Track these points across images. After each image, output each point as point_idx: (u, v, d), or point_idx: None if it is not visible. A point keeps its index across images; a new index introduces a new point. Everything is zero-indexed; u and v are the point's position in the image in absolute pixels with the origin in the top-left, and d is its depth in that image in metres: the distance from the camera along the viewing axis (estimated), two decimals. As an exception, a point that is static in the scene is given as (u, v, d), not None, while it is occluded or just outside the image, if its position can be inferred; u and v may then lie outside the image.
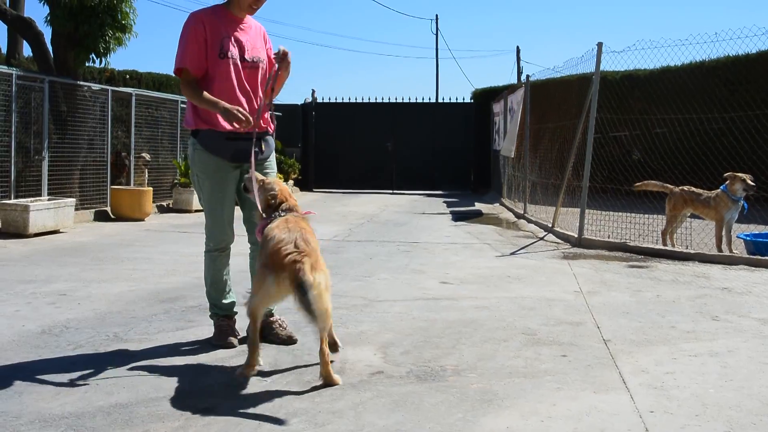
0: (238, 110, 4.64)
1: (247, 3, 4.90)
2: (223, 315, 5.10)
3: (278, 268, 4.03)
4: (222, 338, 4.97)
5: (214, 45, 4.77)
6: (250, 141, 4.82)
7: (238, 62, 4.87)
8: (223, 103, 4.69)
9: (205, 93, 4.75)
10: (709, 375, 4.45)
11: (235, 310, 5.17)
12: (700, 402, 3.94)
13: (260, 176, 4.79)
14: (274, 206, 4.60)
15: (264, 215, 4.59)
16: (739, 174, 9.45)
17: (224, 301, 5.12)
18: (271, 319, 5.07)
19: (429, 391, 4.08)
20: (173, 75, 5.15)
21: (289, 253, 4.02)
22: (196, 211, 14.52)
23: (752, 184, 9.32)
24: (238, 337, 5.03)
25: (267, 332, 4.98)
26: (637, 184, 10.60)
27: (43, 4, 12.76)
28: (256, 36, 5.05)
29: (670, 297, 6.86)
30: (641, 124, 15.26)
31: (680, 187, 10.05)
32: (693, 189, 9.93)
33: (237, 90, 4.87)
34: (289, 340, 5.02)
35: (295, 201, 4.73)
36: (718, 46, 17.77)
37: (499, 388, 4.15)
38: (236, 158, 4.89)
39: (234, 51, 4.84)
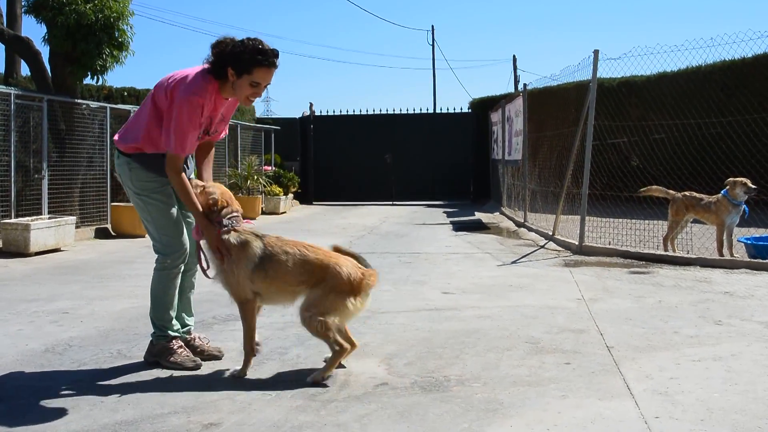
0: (218, 241, 4.56)
1: (245, 96, 4.68)
2: (178, 335, 4.86)
3: (357, 290, 4.55)
4: (188, 359, 4.76)
5: (205, 125, 4.72)
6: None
7: (213, 136, 4.99)
8: (201, 218, 4.61)
9: (185, 183, 4.63)
10: (713, 379, 4.45)
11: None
12: (705, 407, 3.94)
13: (200, 182, 4.83)
14: (216, 211, 4.62)
15: (204, 219, 4.62)
16: (740, 179, 9.47)
17: (186, 320, 5.03)
18: (191, 337, 5.01)
19: (434, 402, 4.08)
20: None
21: (361, 277, 4.60)
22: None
23: (753, 187, 9.34)
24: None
25: (193, 351, 4.92)
26: (641, 189, 10.61)
27: (41, 23, 12.79)
28: (230, 107, 4.95)
29: (673, 302, 6.86)
30: (639, 131, 15.26)
31: (682, 193, 10.07)
32: (694, 194, 9.96)
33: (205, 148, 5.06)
34: (219, 353, 5.02)
35: (238, 205, 4.78)
36: (714, 50, 17.80)
37: (504, 397, 4.15)
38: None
39: (216, 126, 4.91)
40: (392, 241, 12.73)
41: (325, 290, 4.47)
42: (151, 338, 4.89)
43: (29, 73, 14.37)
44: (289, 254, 4.55)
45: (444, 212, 19.76)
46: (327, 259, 4.59)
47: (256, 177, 18.75)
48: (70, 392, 4.30)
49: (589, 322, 6.05)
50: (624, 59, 11.16)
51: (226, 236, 4.55)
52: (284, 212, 19.93)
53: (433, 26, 47.00)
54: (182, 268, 4.89)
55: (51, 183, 12.22)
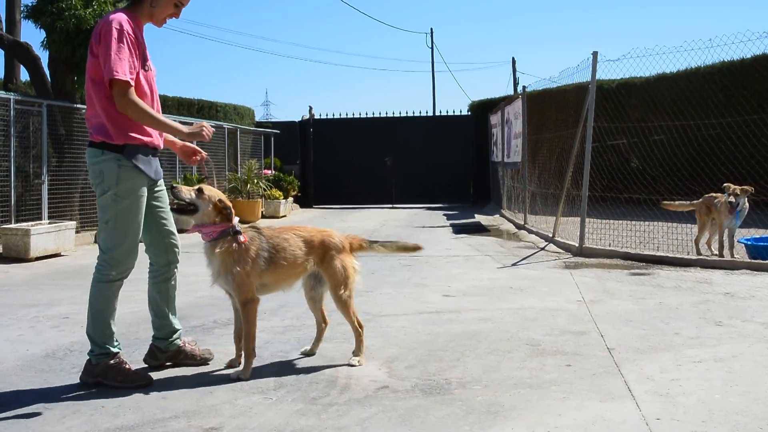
0: (202, 127, 4.65)
1: (164, 17, 4.67)
2: (120, 351, 4.65)
3: (352, 249, 5.36)
4: (137, 376, 4.56)
5: (139, 56, 4.50)
6: (157, 159, 4.75)
7: (151, 72, 4.67)
8: (182, 126, 4.62)
9: (151, 109, 4.51)
10: (714, 381, 4.45)
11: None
12: (707, 408, 3.94)
13: (192, 188, 4.82)
14: (226, 215, 4.72)
15: (209, 223, 4.72)
16: (731, 187, 9.42)
17: (176, 325, 4.95)
18: (182, 343, 4.96)
19: (435, 405, 4.08)
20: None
21: (348, 238, 5.32)
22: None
23: (732, 201, 9.26)
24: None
25: (183, 357, 4.87)
26: (664, 203, 10.53)
27: (40, 28, 12.81)
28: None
29: (673, 303, 6.86)
30: (639, 132, 15.28)
31: (704, 196, 10.01)
32: (713, 195, 9.89)
33: (154, 101, 4.69)
34: (210, 356, 4.99)
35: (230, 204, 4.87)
36: (713, 51, 17.78)
37: (505, 400, 4.15)
38: (156, 175, 4.72)
39: (150, 62, 4.66)
40: (392, 244, 12.70)
41: (337, 260, 5.05)
42: (89, 358, 4.58)
43: (29, 79, 14.38)
44: (288, 240, 4.89)
45: (444, 215, 19.76)
46: (318, 233, 5.08)
47: (256, 181, 18.75)
48: (71, 397, 4.30)
49: (590, 324, 6.05)
50: (623, 61, 11.19)
51: (241, 240, 4.69)
52: (284, 216, 19.93)
53: (432, 29, 47.08)
54: (123, 282, 4.67)
55: (51, 188, 12.23)
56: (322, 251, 5.01)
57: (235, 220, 4.76)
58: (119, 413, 4.01)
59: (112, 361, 4.53)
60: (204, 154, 5.00)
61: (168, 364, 4.90)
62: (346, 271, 5.04)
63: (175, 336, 4.92)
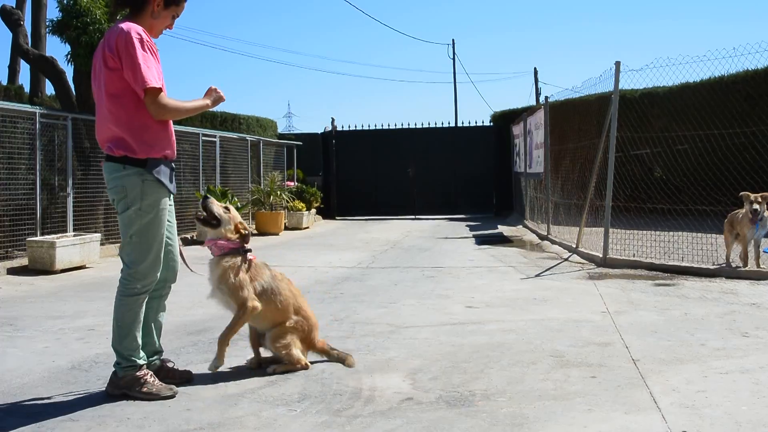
0: (216, 92, 4.83)
1: (162, 28, 4.74)
2: (146, 363, 4.67)
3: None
4: (163, 388, 4.57)
5: (156, 57, 4.56)
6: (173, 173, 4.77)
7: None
8: (205, 100, 4.79)
9: (180, 101, 4.63)
10: (741, 392, 4.41)
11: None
12: (733, 420, 3.90)
13: (221, 205, 5.08)
14: (243, 236, 5.07)
15: (225, 240, 5.02)
16: (750, 196, 9.32)
17: (158, 346, 4.90)
18: (163, 360, 4.92)
19: (459, 417, 4.07)
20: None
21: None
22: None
23: (756, 209, 9.15)
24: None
25: (163, 375, 4.80)
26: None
27: (65, 42, 12.95)
28: None
29: (699, 314, 6.82)
30: (662, 142, 15.18)
31: (729, 214, 9.89)
32: (737, 210, 9.74)
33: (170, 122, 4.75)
34: (190, 377, 4.92)
35: None
36: (737, 60, 17.65)
37: (530, 412, 4.13)
38: (174, 189, 4.71)
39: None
40: (415, 255, 12.73)
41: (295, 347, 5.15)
42: (114, 370, 4.59)
43: (54, 92, 14.54)
44: (288, 289, 5.23)
45: (467, 225, 19.74)
46: (312, 317, 5.31)
47: (278, 192, 18.80)
48: (97, 409, 4.32)
49: (615, 335, 6.02)
50: (646, 70, 11.20)
51: (249, 258, 5.07)
52: (307, 227, 19.98)
53: (453, 40, 47.02)
54: (148, 294, 4.66)
55: (76, 201, 12.32)
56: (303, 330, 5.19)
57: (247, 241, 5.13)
58: (144, 425, 4.02)
59: (138, 373, 4.54)
60: None
61: None
62: (293, 358, 5.11)
63: (157, 356, 4.87)
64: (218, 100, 4.83)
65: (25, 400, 4.53)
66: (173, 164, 4.74)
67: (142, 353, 4.63)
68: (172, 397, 4.51)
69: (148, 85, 4.33)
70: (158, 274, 4.65)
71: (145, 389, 4.50)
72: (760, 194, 9.31)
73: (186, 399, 4.48)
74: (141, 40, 4.39)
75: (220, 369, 5.05)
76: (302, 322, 5.14)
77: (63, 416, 4.19)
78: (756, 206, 9.16)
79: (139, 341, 4.60)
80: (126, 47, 4.35)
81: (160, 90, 4.40)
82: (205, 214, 5.00)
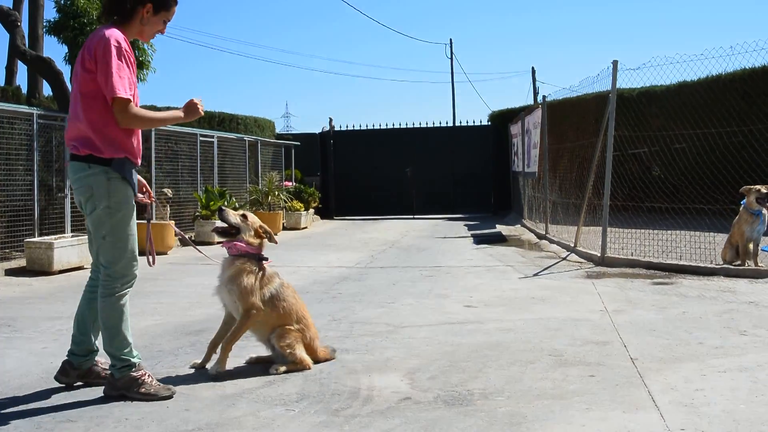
0: (194, 104, 4.77)
1: (153, 33, 4.77)
2: (140, 361, 4.64)
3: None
4: (160, 388, 4.57)
5: (133, 72, 4.59)
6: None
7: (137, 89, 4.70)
8: (179, 111, 4.76)
9: (149, 111, 4.68)
10: (739, 390, 4.41)
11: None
12: (732, 418, 3.90)
13: (237, 212, 5.22)
14: (267, 238, 5.24)
15: (245, 244, 5.10)
16: (754, 186, 9.38)
17: (95, 345, 4.80)
18: (95, 362, 4.83)
19: (457, 416, 4.07)
20: None
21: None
22: (218, 242, 14.55)
23: (763, 190, 9.21)
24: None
25: (94, 376, 4.75)
26: None
27: (62, 43, 12.96)
28: None
29: (697, 313, 6.82)
30: (660, 140, 15.19)
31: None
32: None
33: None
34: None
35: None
36: (734, 59, 17.63)
37: (528, 411, 4.13)
38: (135, 189, 4.70)
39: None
40: (414, 254, 12.74)
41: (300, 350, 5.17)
42: (110, 372, 4.59)
43: (51, 93, 14.54)
44: (295, 300, 5.27)
45: (465, 225, 19.74)
46: (312, 327, 5.32)
47: (276, 193, 18.80)
48: (96, 409, 4.31)
49: (613, 334, 6.02)
50: (643, 69, 11.14)
51: (263, 264, 5.16)
52: (305, 227, 19.98)
53: (451, 39, 46.99)
54: (130, 291, 4.64)
55: (74, 201, 12.29)
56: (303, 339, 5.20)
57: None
58: (142, 425, 4.02)
59: (134, 374, 4.53)
60: (150, 197, 5.06)
61: (78, 383, 4.78)
62: (297, 357, 5.11)
63: (91, 356, 4.81)
64: (191, 110, 4.76)
65: (23, 400, 4.53)
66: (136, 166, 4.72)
67: (135, 351, 4.62)
68: (170, 397, 4.51)
69: (116, 94, 4.34)
70: (137, 271, 4.65)
71: (143, 390, 4.49)
72: (765, 185, 9.32)
73: (184, 399, 4.48)
74: (119, 48, 4.41)
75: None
76: (304, 330, 5.17)
77: (61, 417, 4.19)
78: (764, 189, 9.16)
79: (130, 340, 4.59)
80: (103, 53, 4.36)
81: (128, 101, 4.40)
82: (225, 225, 5.12)
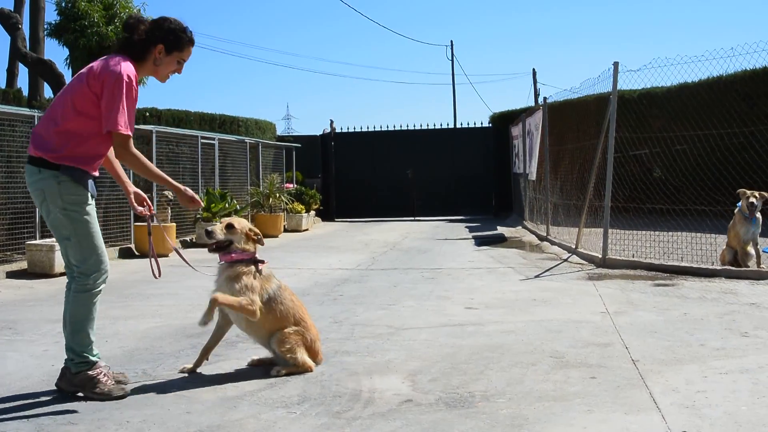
0: (194, 197, 4.91)
1: (167, 73, 4.84)
2: (99, 360, 4.66)
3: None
4: (115, 388, 4.59)
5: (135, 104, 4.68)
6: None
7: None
8: (176, 183, 4.85)
9: (145, 159, 4.76)
10: (740, 392, 4.41)
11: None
12: (733, 420, 3.90)
13: (225, 219, 5.24)
14: (257, 240, 5.22)
15: (239, 250, 5.09)
16: (749, 191, 9.39)
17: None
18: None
19: (458, 418, 4.07)
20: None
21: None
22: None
23: (753, 202, 9.23)
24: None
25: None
26: None
27: (63, 46, 12.96)
28: None
29: (698, 314, 6.81)
30: (661, 142, 15.20)
31: None
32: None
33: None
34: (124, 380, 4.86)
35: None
36: (735, 60, 17.66)
37: (529, 413, 4.13)
38: (93, 192, 4.70)
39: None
40: (415, 256, 12.73)
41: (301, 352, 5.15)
42: (68, 366, 4.61)
43: (52, 95, 14.54)
44: (294, 303, 5.22)
45: (466, 227, 19.74)
46: (313, 327, 5.28)
47: (278, 195, 18.80)
48: (97, 412, 4.31)
49: (614, 336, 6.02)
50: (644, 71, 11.15)
51: (260, 266, 5.13)
52: (306, 229, 19.98)
53: (452, 41, 47.05)
54: (103, 288, 4.68)
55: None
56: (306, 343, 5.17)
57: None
58: (144, 428, 4.02)
59: (91, 372, 4.56)
60: (150, 209, 5.09)
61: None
62: (298, 360, 5.08)
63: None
64: (186, 198, 4.91)
65: (24, 403, 4.53)
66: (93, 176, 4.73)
67: (95, 350, 4.64)
68: (123, 397, 4.54)
69: (118, 129, 4.43)
70: (108, 267, 4.68)
71: (98, 389, 4.53)
72: (757, 191, 9.35)
73: (185, 402, 4.48)
74: (129, 84, 4.48)
75: (220, 372, 5.08)
76: (304, 332, 5.14)
77: (62, 420, 4.19)
78: (753, 200, 9.21)
79: (92, 338, 4.62)
80: (114, 85, 4.42)
81: (129, 137, 4.52)
82: (214, 242, 5.10)
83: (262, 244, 5.23)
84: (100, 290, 4.65)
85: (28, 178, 4.60)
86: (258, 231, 5.25)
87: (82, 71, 4.61)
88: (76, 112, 4.48)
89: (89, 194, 4.62)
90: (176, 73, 4.88)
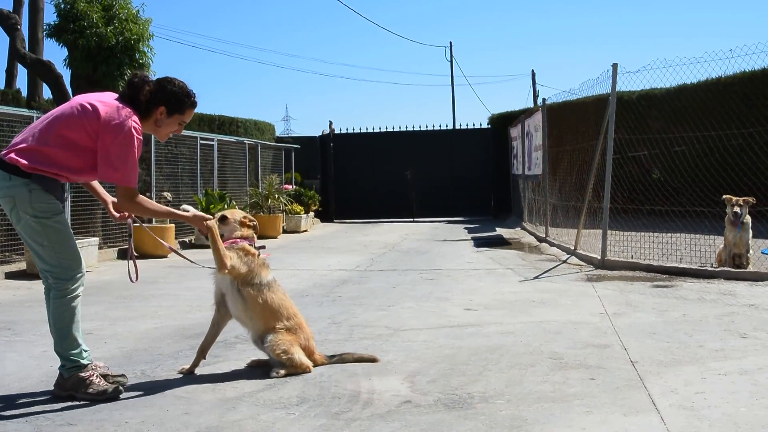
0: (204, 220, 4.94)
1: (167, 132, 4.92)
2: (90, 362, 4.68)
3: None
4: (108, 388, 4.58)
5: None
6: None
7: None
8: (191, 211, 4.98)
9: (152, 203, 4.95)
10: (739, 393, 4.41)
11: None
12: (732, 421, 3.90)
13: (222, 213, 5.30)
14: (253, 227, 5.31)
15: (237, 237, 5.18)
16: (732, 199, 9.47)
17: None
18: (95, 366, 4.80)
19: (457, 419, 4.07)
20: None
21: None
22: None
23: (737, 211, 9.32)
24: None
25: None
26: None
27: (62, 46, 12.93)
28: None
29: (697, 316, 6.82)
30: (660, 143, 15.21)
31: None
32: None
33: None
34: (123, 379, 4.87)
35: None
36: (734, 62, 17.62)
37: (528, 414, 4.13)
38: (62, 201, 4.72)
39: None
40: (414, 257, 12.73)
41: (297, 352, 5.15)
42: (59, 371, 4.63)
43: (51, 96, 14.52)
44: (284, 297, 5.25)
45: (465, 228, 19.74)
46: (307, 328, 5.31)
47: (276, 196, 18.80)
48: (95, 413, 4.31)
49: (613, 337, 6.02)
50: (643, 72, 11.15)
51: (256, 248, 5.22)
52: (305, 230, 19.97)
53: (451, 42, 47.10)
54: (82, 291, 4.71)
55: (74, 205, 12.29)
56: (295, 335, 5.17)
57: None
58: (142, 429, 4.02)
59: (83, 374, 4.57)
60: (129, 215, 5.17)
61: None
62: (295, 362, 5.07)
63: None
64: (198, 222, 4.96)
65: (23, 404, 4.53)
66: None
67: (85, 353, 4.65)
68: (115, 398, 4.55)
69: (129, 184, 4.55)
70: (84, 269, 4.72)
71: (91, 389, 4.54)
72: (741, 198, 9.40)
73: (184, 403, 4.48)
74: (140, 141, 4.56)
75: (218, 372, 5.09)
76: (296, 329, 5.15)
77: (61, 420, 4.19)
78: (737, 209, 9.29)
79: (80, 341, 4.63)
80: (124, 138, 4.47)
81: (137, 191, 4.63)
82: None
83: (257, 231, 5.31)
84: (79, 294, 4.67)
85: None
86: (252, 218, 5.33)
87: (83, 103, 4.56)
88: (67, 141, 4.49)
89: (60, 204, 4.63)
90: (176, 133, 5.02)
